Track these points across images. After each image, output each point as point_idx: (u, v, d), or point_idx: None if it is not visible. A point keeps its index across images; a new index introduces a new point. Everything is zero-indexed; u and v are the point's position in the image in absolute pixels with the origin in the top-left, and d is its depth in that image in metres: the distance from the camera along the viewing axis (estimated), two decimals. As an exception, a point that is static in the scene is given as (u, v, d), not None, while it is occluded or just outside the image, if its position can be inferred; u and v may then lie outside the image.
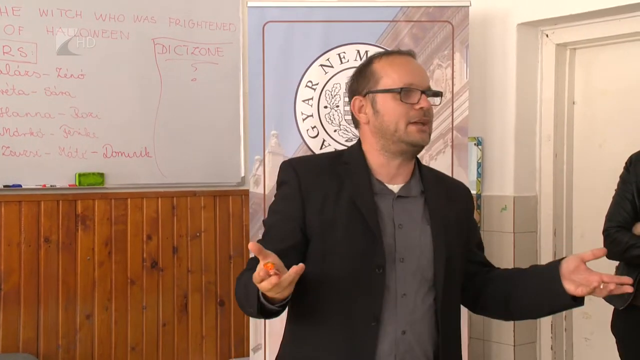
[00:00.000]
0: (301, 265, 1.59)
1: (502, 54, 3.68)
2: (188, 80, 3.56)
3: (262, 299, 1.68)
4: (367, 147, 1.94)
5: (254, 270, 1.70)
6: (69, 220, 3.31)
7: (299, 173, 1.91)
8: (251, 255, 1.74)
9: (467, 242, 2.06)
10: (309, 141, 3.33)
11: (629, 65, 3.60)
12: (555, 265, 1.86)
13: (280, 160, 3.13)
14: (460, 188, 2.12)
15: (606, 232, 2.95)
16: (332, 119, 3.36)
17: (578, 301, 1.81)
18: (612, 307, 2.99)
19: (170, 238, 3.55)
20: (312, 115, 3.35)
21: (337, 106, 3.35)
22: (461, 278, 2.03)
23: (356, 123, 1.97)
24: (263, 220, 2.00)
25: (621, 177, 2.99)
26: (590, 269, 1.77)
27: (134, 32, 3.39)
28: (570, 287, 1.77)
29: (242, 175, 3.75)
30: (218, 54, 3.67)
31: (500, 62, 3.71)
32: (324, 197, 1.88)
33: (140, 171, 3.48)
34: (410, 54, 1.97)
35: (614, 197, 2.98)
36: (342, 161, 1.95)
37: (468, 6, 3.34)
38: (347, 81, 2.27)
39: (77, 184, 3.28)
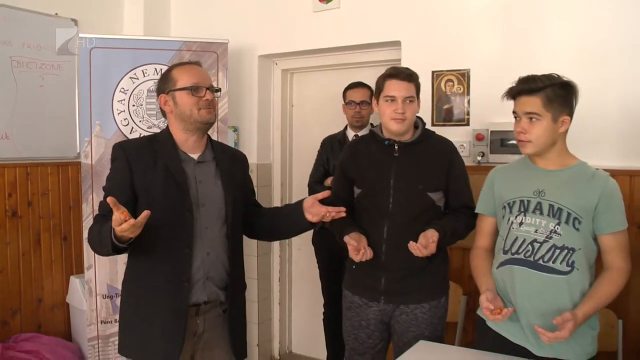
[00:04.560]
0: (147, 211, 1.87)
1: (250, 74, 4.41)
2: (37, 86, 3.99)
3: (114, 240, 1.93)
4: (173, 129, 2.23)
5: (103, 223, 2.02)
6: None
7: (126, 150, 2.17)
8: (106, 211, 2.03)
9: (246, 190, 2.41)
10: (122, 128, 3.76)
11: (323, 83, 4.48)
12: (299, 203, 2.29)
13: (103, 142, 3.71)
14: (239, 154, 2.48)
15: (309, 185, 3.83)
16: (137, 113, 3.81)
17: (314, 224, 2.29)
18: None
19: (26, 195, 3.95)
20: (124, 111, 3.77)
21: (141, 105, 3.80)
22: (242, 214, 2.34)
23: (163, 113, 2.25)
24: (102, 187, 2.22)
25: (318, 152, 3.86)
26: (321, 204, 2.24)
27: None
28: (309, 217, 2.25)
29: (77, 151, 4.14)
30: (59, 68, 4.10)
31: (249, 78, 4.42)
32: (145, 165, 2.13)
33: (1, 149, 3.80)
34: (197, 63, 2.27)
35: (314, 164, 3.87)
36: (156, 140, 2.22)
37: (227, 42, 3.98)
38: (152, 86, 2.90)
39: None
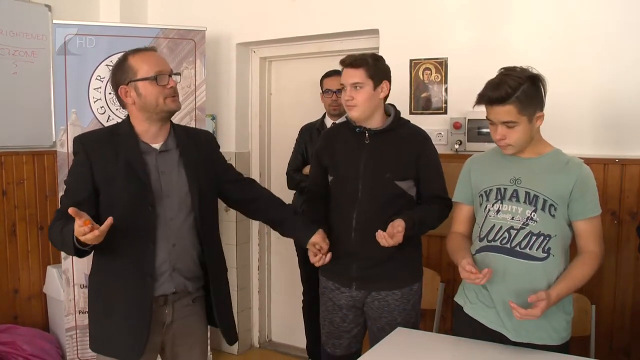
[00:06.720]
0: (110, 218, 1.88)
1: (227, 62, 4.40)
2: (10, 73, 3.92)
3: (76, 244, 1.94)
4: (134, 120, 2.20)
5: (64, 221, 2.01)
6: None
7: (85, 144, 2.15)
8: (66, 208, 1.97)
9: (217, 171, 2.36)
10: (99, 117, 3.77)
11: (301, 72, 4.49)
12: (313, 230, 2.44)
13: (79, 130, 3.62)
14: (204, 135, 2.44)
15: (287, 174, 3.83)
16: (114, 101, 3.33)
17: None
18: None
19: (1, 184, 3.92)
20: (100, 99, 3.77)
21: (118, 93, 3.85)
22: (215, 200, 2.33)
23: (123, 104, 2.22)
24: (64, 181, 2.21)
25: (297, 140, 3.86)
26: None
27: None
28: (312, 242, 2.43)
29: (53, 140, 4.09)
30: (33, 55, 4.04)
31: (226, 66, 4.42)
32: (105, 160, 2.11)
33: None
34: (153, 49, 2.19)
35: (292, 152, 3.87)
36: (116, 133, 2.19)
37: (204, 30, 3.98)
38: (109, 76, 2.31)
39: None
